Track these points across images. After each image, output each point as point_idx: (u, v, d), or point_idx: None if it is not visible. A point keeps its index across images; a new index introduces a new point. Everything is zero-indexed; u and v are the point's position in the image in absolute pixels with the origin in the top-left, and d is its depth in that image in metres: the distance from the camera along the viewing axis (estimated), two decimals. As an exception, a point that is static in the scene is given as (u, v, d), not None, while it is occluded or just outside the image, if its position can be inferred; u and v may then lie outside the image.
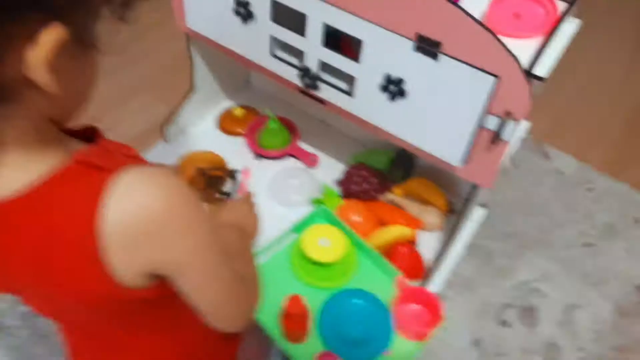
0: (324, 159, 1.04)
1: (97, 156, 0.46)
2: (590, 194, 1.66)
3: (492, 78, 0.61)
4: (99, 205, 0.42)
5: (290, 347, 0.77)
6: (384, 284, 0.83)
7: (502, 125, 0.65)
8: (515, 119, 0.63)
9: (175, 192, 0.46)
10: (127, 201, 0.43)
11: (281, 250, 0.87)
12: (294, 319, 0.73)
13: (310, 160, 1.02)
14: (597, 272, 1.48)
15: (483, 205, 1.00)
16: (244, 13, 0.79)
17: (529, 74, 0.60)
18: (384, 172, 0.97)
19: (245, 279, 0.60)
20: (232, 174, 0.98)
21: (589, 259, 1.50)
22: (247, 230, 0.79)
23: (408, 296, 0.81)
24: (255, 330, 0.77)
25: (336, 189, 0.98)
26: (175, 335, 0.62)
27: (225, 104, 1.13)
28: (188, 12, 0.87)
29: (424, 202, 0.96)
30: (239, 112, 1.09)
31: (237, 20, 0.80)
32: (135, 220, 0.44)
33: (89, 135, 0.50)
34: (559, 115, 1.91)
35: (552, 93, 2.01)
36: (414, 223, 0.92)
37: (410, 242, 0.89)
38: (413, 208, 0.94)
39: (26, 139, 0.44)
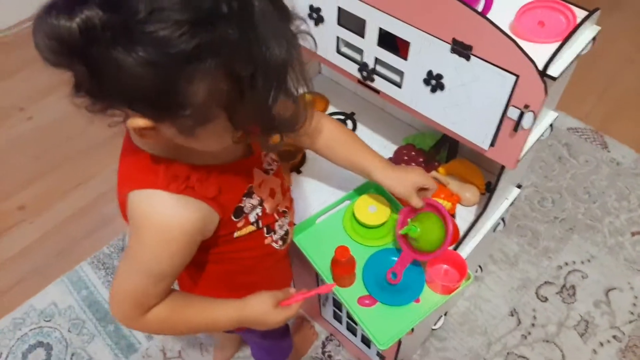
0: (378, 139, 1.20)
1: (171, 173, 0.63)
2: (646, 185, 1.70)
3: (513, 77, 0.74)
4: (133, 188, 0.63)
5: (339, 290, 0.95)
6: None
7: (521, 116, 0.78)
8: (533, 111, 0.76)
9: (164, 222, 0.63)
10: (143, 204, 0.63)
11: (336, 213, 1.04)
12: (342, 265, 0.91)
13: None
14: (643, 260, 1.53)
15: (519, 186, 1.12)
16: (316, 17, 0.96)
17: (543, 73, 0.73)
18: (429, 153, 1.12)
19: (157, 323, 0.70)
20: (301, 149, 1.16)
21: (636, 246, 1.56)
22: (246, 313, 0.77)
23: (440, 257, 0.96)
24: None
25: (388, 166, 1.14)
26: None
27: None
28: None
29: (465, 181, 1.10)
30: (307, 97, 1.27)
31: (310, 23, 0.98)
32: (136, 213, 0.63)
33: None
34: (619, 106, 1.93)
35: (612, 84, 2.03)
36: (454, 198, 1.06)
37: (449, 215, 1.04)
38: (454, 185, 1.08)
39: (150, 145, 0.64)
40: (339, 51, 0.98)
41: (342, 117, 1.24)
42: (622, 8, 2.30)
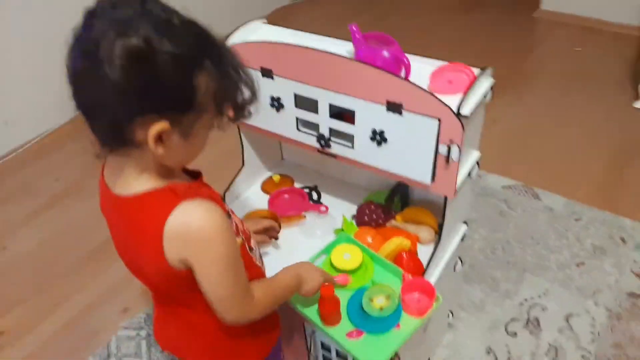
0: (341, 202, 1.39)
1: (182, 188, 0.74)
2: (578, 223, 1.94)
3: (436, 120, 0.97)
4: (168, 215, 0.71)
5: (329, 329, 1.06)
6: (393, 280, 1.14)
7: (449, 150, 0.99)
8: (457, 144, 0.98)
9: (212, 222, 0.73)
10: (181, 217, 0.71)
11: (318, 265, 1.19)
12: (328, 302, 1.04)
13: (321, 211, 1.37)
14: (591, 286, 1.72)
15: (465, 222, 1.32)
16: (277, 105, 1.19)
17: (457, 114, 0.96)
18: (386, 205, 1.31)
19: (264, 298, 0.85)
20: (277, 222, 1.33)
21: (582, 275, 1.75)
22: (302, 283, 0.98)
23: (411, 285, 1.11)
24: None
25: (352, 221, 1.31)
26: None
27: (266, 174, 1.52)
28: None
29: (419, 223, 1.28)
30: (276, 178, 1.47)
31: (272, 111, 1.20)
32: (181, 230, 0.71)
33: (196, 175, 0.87)
34: (545, 161, 2.23)
35: (536, 143, 2.36)
36: (412, 237, 1.24)
37: (411, 251, 1.20)
38: (411, 228, 1.27)
39: (148, 167, 0.74)
40: (298, 129, 1.20)
41: (307, 189, 1.43)
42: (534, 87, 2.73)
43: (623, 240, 1.86)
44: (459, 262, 1.40)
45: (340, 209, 1.37)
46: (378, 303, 1.07)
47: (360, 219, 1.30)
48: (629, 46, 2.95)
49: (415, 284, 1.11)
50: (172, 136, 0.70)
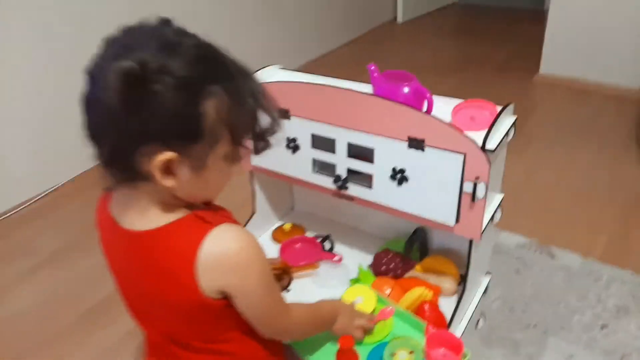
0: (355, 252, 1.32)
1: (207, 214, 0.71)
2: (598, 282, 1.85)
3: (461, 155, 0.94)
4: (201, 242, 0.67)
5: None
6: (414, 334, 1.05)
7: (475, 187, 0.95)
8: (483, 181, 0.94)
9: (247, 243, 0.70)
10: (216, 243, 0.67)
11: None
12: (346, 354, 0.95)
13: (335, 260, 1.30)
14: (618, 349, 1.60)
15: (487, 272, 1.25)
16: (293, 146, 1.16)
17: (483, 148, 0.93)
18: (404, 254, 1.25)
19: (304, 315, 0.87)
20: (289, 272, 1.26)
21: (608, 337, 1.64)
22: (339, 316, 0.96)
23: (436, 339, 1.02)
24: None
25: (369, 270, 1.24)
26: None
27: (277, 223, 1.46)
28: (252, 156, 1.25)
29: (440, 274, 1.21)
30: (287, 227, 1.41)
31: (288, 152, 1.17)
32: (219, 256, 0.67)
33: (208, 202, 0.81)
34: (555, 216, 2.18)
35: (549, 199, 2.32)
36: (434, 289, 1.16)
37: (432, 303, 1.12)
38: (432, 279, 1.19)
39: (163, 199, 0.69)
40: (315, 171, 1.16)
41: (320, 238, 1.37)
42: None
43: (647, 300, 1.77)
44: (482, 319, 1.31)
45: (355, 259, 1.31)
46: (401, 359, 0.98)
47: (377, 268, 1.23)
48: (631, 107, 3.00)
49: (440, 338, 1.03)
50: (183, 168, 0.65)
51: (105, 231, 0.78)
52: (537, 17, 3.35)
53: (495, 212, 1.09)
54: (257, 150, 0.75)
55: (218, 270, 0.68)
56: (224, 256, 0.68)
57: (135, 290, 0.78)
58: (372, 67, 1.06)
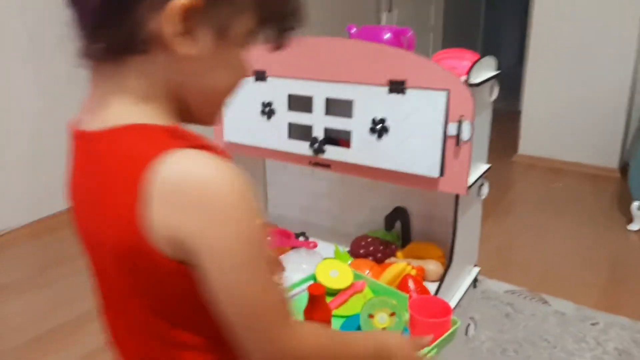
0: (333, 246, 1.20)
1: (187, 134, 0.47)
2: (596, 327, 1.70)
3: (444, 92, 0.89)
4: (159, 157, 0.43)
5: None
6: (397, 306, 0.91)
7: (460, 128, 0.89)
8: (468, 119, 0.88)
9: (230, 176, 0.45)
10: (182, 164, 0.43)
11: (303, 294, 0.96)
12: (317, 302, 0.81)
13: (311, 246, 1.18)
14: (626, 391, 1.42)
15: (475, 265, 1.13)
16: (268, 111, 1.10)
17: (467, 83, 0.88)
18: (385, 240, 1.13)
19: (315, 340, 0.52)
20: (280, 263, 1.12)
21: (612, 379, 1.47)
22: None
23: (420, 303, 0.88)
24: None
25: (346, 251, 1.12)
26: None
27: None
28: (226, 130, 1.19)
29: (424, 259, 1.09)
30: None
31: (263, 119, 1.11)
32: (187, 181, 0.43)
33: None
34: (547, 272, 2.07)
35: (535, 257, 2.22)
36: (417, 269, 1.04)
37: (417, 278, 1.00)
38: (415, 263, 1.07)
39: (149, 95, 0.48)
40: (289, 137, 1.09)
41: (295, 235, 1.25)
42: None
43: (650, 345, 1.61)
44: (472, 324, 1.17)
45: (331, 249, 1.18)
46: (380, 322, 0.84)
47: (355, 251, 1.11)
48: (610, 184, 3.02)
49: (425, 303, 0.89)
50: (204, 29, 0.47)
51: (70, 158, 0.55)
52: (514, 117, 3.61)
53: (481, 185, 1.01)
54: (277, 44, 0.53)
55: (175, 202, 0.43)
56: (188, 183, 0.43)
57: (83, 220, 0.54)
58: (352, 27, 1.05)
